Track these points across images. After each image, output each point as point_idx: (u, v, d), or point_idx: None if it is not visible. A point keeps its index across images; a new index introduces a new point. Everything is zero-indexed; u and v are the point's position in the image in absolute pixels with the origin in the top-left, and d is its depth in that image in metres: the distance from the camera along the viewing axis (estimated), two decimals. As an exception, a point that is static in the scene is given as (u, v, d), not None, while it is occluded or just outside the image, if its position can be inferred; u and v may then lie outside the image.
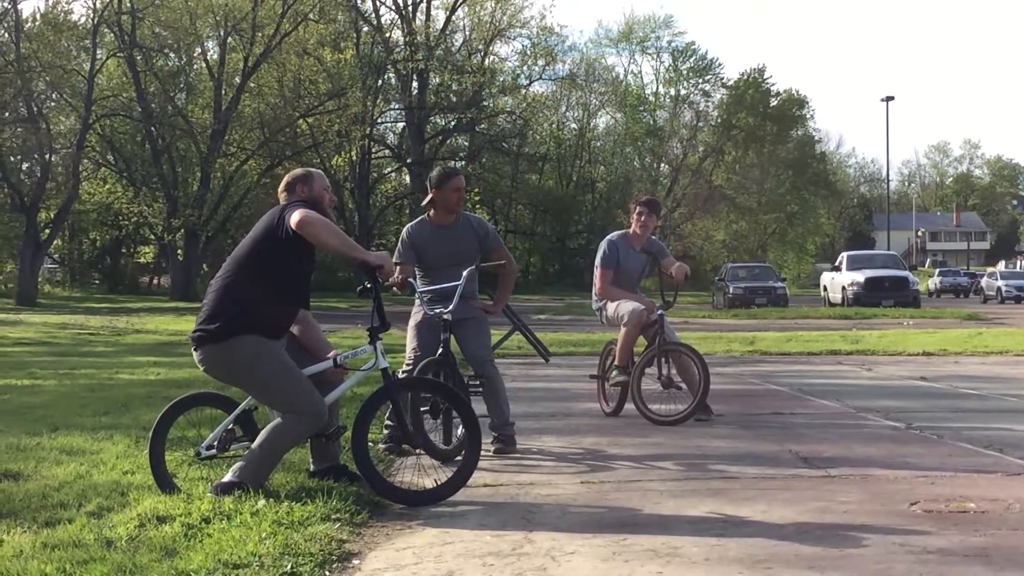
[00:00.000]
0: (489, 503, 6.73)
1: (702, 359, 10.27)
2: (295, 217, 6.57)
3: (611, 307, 10.70)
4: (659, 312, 10.42)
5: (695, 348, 10.62)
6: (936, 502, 6.53)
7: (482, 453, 7.13)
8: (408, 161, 69.02)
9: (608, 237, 11.06)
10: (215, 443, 6.95)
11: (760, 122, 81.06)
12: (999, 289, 60.01)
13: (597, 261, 10.92)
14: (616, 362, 10.59)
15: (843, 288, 43.23)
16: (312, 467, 7.18)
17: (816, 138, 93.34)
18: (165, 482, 6.81)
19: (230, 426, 6.96)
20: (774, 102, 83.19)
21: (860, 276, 42.60)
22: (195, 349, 6.83)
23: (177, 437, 7.41)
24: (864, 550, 5.43)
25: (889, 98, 74.85)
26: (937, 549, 5.42)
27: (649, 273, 11.08)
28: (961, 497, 6.65)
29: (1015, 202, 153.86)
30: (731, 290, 45.76)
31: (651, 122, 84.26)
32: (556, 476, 7.66)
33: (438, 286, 8.64)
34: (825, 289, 47.14)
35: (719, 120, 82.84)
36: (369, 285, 6.71)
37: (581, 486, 7.26)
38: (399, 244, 8.98)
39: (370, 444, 7.50)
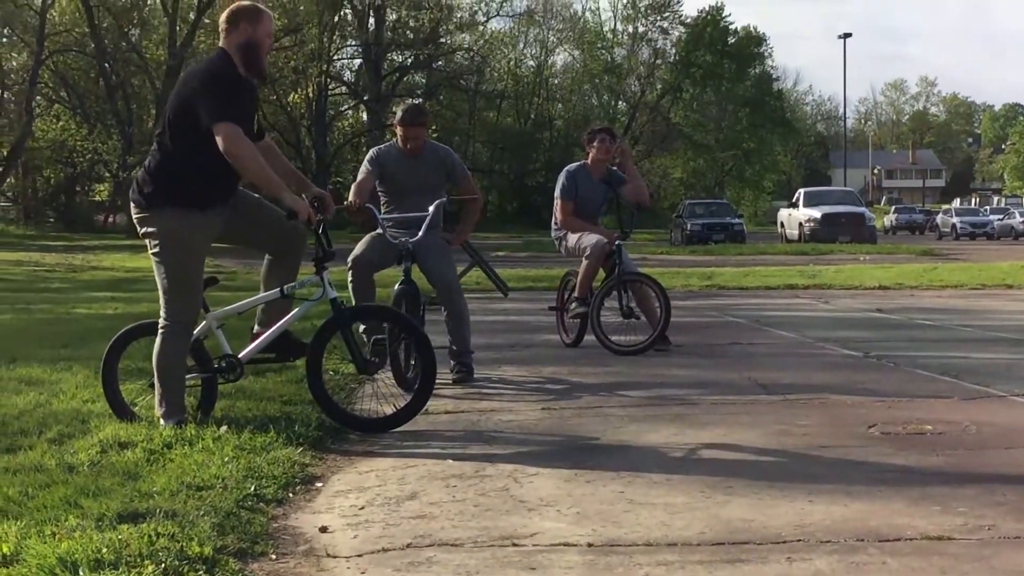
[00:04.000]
0: (451, 429, 6.75)
1: (663, 289, 10.25)
2: (220, 138, 6.17)
3: (572, 238, 10.67)
4: (617, 243, 10.40)
5: (655, 278, 10.63)
6: (894, 425, 6.60)
7: (441, 382, 7.12)
8: (365, 98, 68.58)
9: (567, 168, 11.01)
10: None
11: (718, 60, 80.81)
12: (954, 226, 60.66)
13: (557, 192, 10.88)
14: (576, 294, 10.58)
15: (800, 224, 43.49)
16: None
17: (774, 76, 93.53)
18: (122, 410, 6.75)
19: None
20: (732, 40, 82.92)
21: (817, 212, 42.88)
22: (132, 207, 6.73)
23: (136, 369, 7.36)
24: (825, 469, 5.48)
25: (846, 35, 75.12)
26: (896, 468, 5.48)
27: (609, 207, 11.05)
28: (918, 420, 6.72)
29: (970, 140, 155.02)
30: (689, 227, 45.94)
31: (609, 59, 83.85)
32: (517, 403, 7.67)
33: (401, 215, 8.62)
34: (782, 226, 47.42)
35: (677, 58, 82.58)
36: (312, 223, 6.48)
37: (542, 412, 7.29)
38: (364, 162, 8.89)
39: (331, 372, 7.49)
